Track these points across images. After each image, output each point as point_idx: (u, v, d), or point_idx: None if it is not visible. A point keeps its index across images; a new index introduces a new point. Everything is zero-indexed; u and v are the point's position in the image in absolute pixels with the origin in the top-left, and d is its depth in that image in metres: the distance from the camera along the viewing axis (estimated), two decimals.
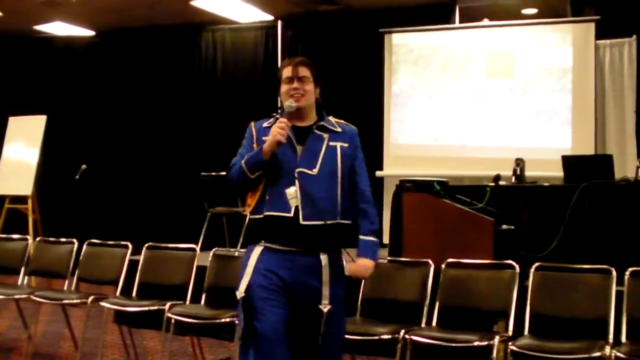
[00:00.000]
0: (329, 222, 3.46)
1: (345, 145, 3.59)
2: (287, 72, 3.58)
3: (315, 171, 3.49)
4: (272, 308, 3.39)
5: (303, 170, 3.47)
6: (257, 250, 3.50)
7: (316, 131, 3.57)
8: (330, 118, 3.65)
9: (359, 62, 10.20)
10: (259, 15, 10.45)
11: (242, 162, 3.51)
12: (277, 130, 3.41)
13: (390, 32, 9.80)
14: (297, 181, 3.44)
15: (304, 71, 3.58)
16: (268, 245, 3.48)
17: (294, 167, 3.47)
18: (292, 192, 3.44)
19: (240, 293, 3.46)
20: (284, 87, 3.58)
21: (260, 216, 3.49)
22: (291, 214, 3.43)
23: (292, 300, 3.44)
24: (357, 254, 3.58)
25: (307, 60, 3.64)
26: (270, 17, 10.55)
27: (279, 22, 10.75)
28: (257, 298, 3.41)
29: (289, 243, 3.44)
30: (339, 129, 3.62)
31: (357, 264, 3.56)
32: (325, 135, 3.57)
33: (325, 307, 3.44)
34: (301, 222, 3.42)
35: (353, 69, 10.21)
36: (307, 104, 3.57)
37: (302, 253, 3.45)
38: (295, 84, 3.54)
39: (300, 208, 3.43)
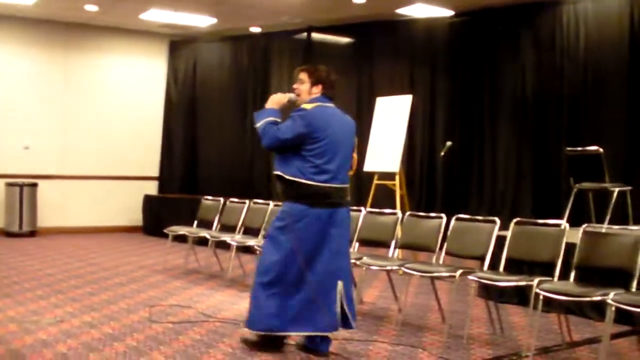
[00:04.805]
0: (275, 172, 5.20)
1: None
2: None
3: None
4: None
5: None
6: None
7: None
8: (322, 104, 5.18)
9: None
10: None
11: None
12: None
13: None
14: None
15: (299, 75, 5.31)
16: None
17: None
18: None
19: None
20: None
21: None
22: None
23: None
24: None
25: (304, 67, 5.35)
26: None
27: None
28: None
29: None
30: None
31: None
32: None
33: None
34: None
35: None
36: (302, 98, 5.27)
37: None
38: (295, 85, 5.32)
39: None
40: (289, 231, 5.10)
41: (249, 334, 5.33)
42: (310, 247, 5.08)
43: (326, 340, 5.21)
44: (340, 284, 5.11)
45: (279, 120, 5.18)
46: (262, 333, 5.20)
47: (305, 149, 5.04)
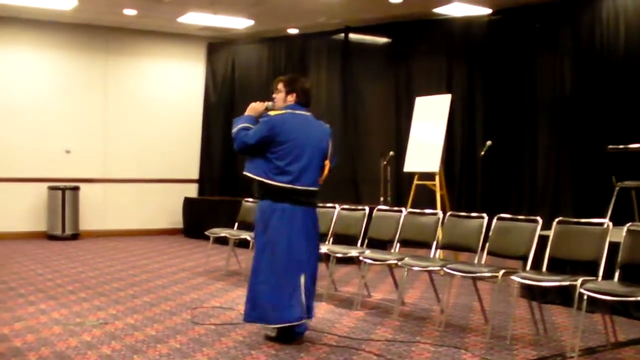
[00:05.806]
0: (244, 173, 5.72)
1: None
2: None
3: None
4: None
5: None
6: None
7: None
8: (292, 111, 5.58)
9: None
10: None
11: None
12: None
13: None
14: None
15: (277, 85, 5.72)
16: None
17: None
18: None
19: None
20: None
21: None
22: None
23: None
24: None
25: (282, 78, 5.79)
26: None
27: None
28: None
29: None
30: None
31: None
32: None
33: None
34: None
35: None
36: (278, 106, 5.67)
37: None
38: (273, 94, 5.73)
39: None
40: (262, 226, 5.59)
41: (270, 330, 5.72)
42: (275, 239, 5.49)
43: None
44: (302, 277, 5.44)
45: (252, 126, 5.59)
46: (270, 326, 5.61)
47: (270, 151, 5.49)
